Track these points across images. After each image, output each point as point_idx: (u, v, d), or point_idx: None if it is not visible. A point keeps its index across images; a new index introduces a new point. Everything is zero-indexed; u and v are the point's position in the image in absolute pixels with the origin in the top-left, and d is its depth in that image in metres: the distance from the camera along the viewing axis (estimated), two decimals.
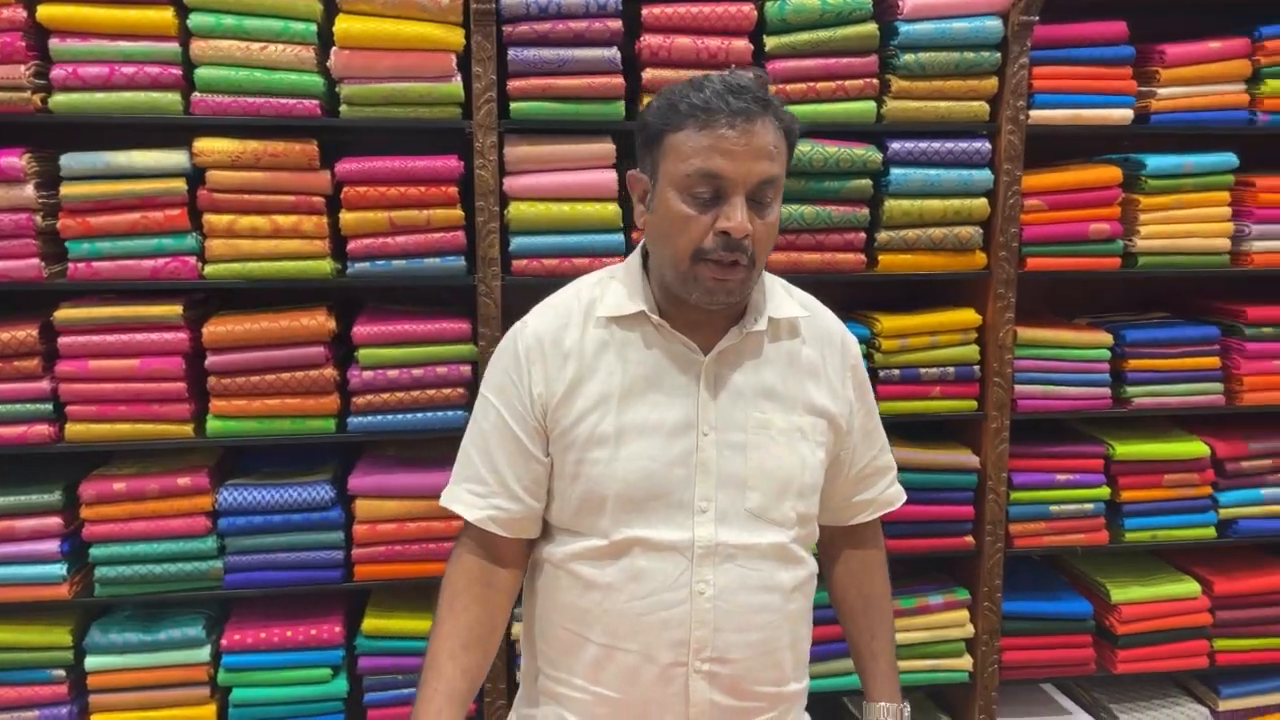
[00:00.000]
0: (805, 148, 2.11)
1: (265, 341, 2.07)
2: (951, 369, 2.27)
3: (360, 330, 2.10)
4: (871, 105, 2.17)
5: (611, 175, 2.11)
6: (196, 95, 2.00)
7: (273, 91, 2.00)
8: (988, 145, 2.21)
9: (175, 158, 2.00)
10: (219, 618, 2.21)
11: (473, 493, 1.35)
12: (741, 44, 2.10)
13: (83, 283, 2.01)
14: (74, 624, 2.11)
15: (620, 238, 2.13)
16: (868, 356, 2.24)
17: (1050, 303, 2.52)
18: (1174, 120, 2.30)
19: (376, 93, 2.01)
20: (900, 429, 2.23)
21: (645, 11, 2.08)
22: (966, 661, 2.37)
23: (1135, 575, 2.45)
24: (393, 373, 2.10)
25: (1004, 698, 2.41)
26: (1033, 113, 2.21)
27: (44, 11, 1.93)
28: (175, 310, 2.03)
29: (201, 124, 2.01)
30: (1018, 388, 2.30)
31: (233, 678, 2.13)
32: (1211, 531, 2.41)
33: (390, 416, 2.11)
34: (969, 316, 2.28)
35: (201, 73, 1.98)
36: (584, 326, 1.33)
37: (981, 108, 2.20)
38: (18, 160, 1.95)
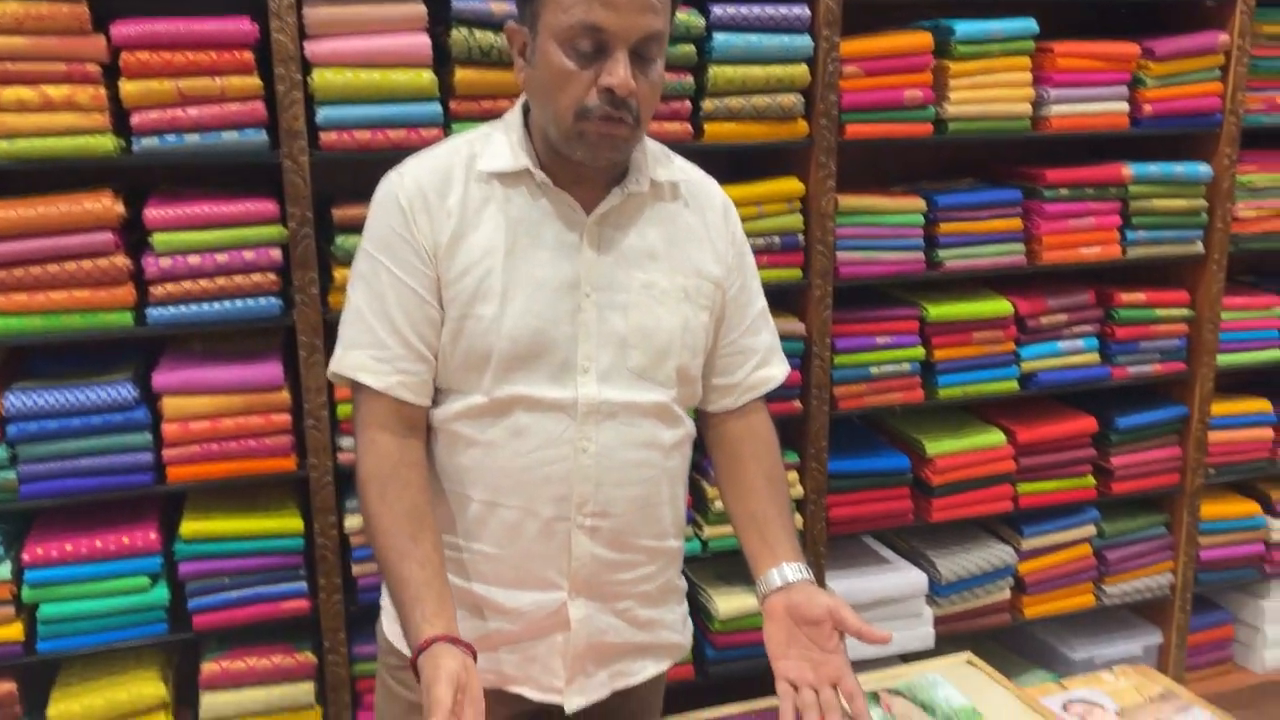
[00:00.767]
0: None
1: (45, 229, 1.87)
2: (777, 238, 2.30)
3: (152, 213, 1.93)
4: None
5: (424, 40, 1.99)
6: None
7: None
8: (807, 10, 2.20)
9: None
10: (17, 532, 2.04)
11: (376, 359, 1.27)
12: None
13: None
14: None
15: (437, 108, 2.02)
16: None
17: (869, 172, 2.57)
18: None
19: None
20: None
21: None
22: (797, 521, 2.46)
23: (947, 430, 2.59)
24: (194, 259, 1.94)
25: (831, 553, 2.53)
26: None
27: None
28: None
29: None
30: (839, 255, 2.35)
31: (39, 594, 1.98)
32: (1014, 385, 2.57)
33: (194, 307, 1.97)
34: (793, 186, 2.29)
35: None
36: (465, 181, 1.27)
37: None
38: None
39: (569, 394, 1.28)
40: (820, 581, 2.49)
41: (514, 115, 1.32)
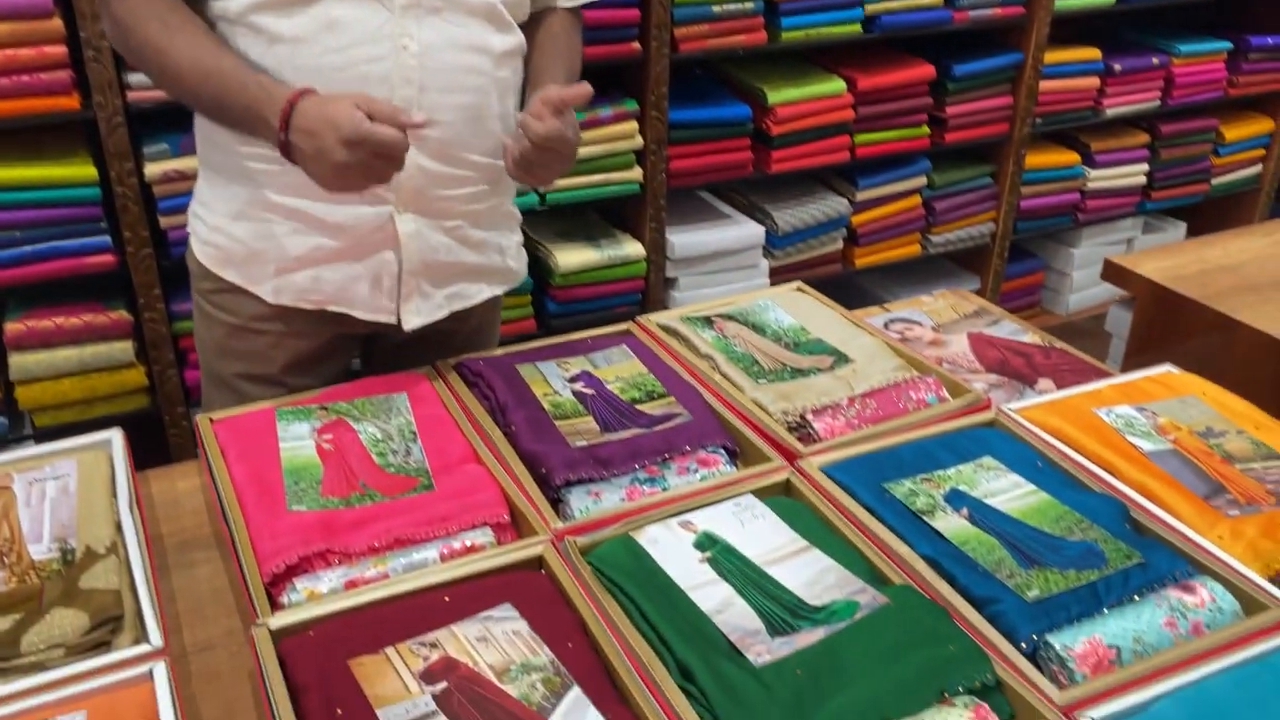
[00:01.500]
0: None
1: None
2: None
3: None
4: None
5: None
6: None
7: None
8: None
9: None
10: None
11: None
12: None
13: None
14: None
15: None
16: None
17: None
18: None
19: None
20: None
21: None
22: (637, 173, 2.41)
23: (790, 78, 2.53)
24: None
25: (671, 207, 2.51)
26: None
27: None
28: None
29: None
30: None
31: None
32: (858, 28, 2.50)
33: None
34: None
35: None
36: None
37: None
38: None
39: None
40: (660, 234, 2.49)
41: None
